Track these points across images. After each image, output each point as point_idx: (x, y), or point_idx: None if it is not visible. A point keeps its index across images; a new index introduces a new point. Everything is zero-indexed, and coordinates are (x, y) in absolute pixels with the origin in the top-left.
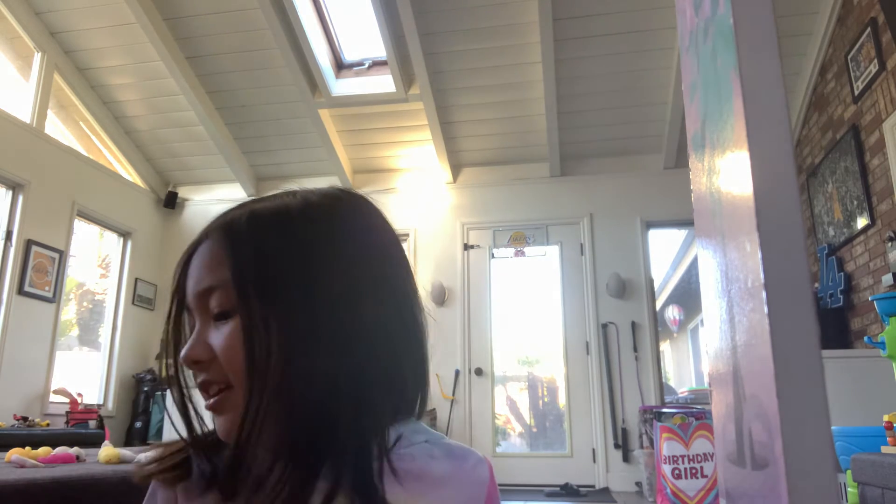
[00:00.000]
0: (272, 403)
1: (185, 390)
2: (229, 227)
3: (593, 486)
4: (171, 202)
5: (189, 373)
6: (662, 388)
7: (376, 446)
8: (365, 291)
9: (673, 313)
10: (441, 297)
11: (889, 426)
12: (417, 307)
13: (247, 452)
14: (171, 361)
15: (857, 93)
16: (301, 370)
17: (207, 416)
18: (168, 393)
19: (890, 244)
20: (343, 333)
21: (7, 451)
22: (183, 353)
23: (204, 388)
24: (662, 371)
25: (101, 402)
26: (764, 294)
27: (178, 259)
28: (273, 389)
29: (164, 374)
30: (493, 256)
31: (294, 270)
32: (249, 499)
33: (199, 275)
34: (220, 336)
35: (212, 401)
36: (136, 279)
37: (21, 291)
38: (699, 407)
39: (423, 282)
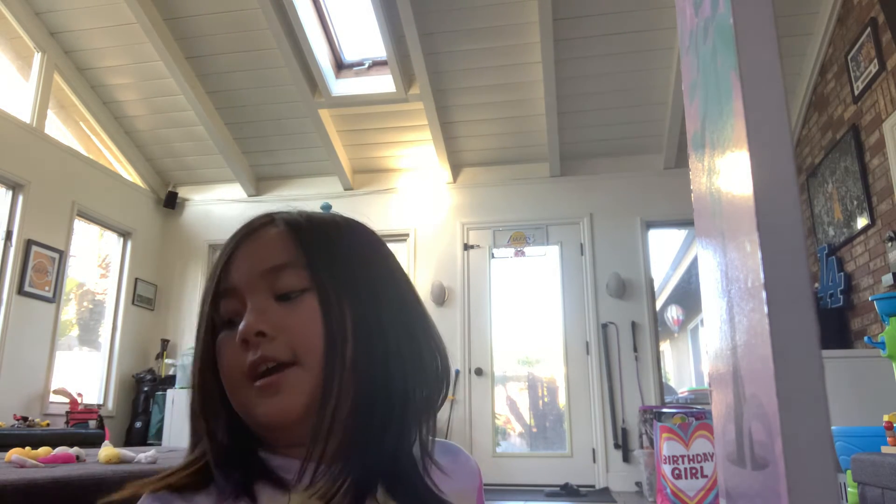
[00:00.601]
0: (347, 385)
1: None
2: (291, 220)
3: (593, 486)
4: (171, 202)
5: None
6: (662, 388)
7: (418, 440)
8: (406, 292)
9: (673, 313)
10: (441, 297)
11: (889, 426)
12: (426, 317)
13: (321, 431)
14: (199, 366)
15: (857, 93)
16: (371, 356)
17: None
18: (170, 394)
19: (890, 244)
20: (396, 327)
21: (7, 451)
22: (247, 323)
23: (257, 365)
24: (662, 371)
25: (101, 402)
26: (764, 294)
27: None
28: (349, 370)
29: (196, 371)
30: (493, 256)
31: (356, 266)
32: (308, 488)
33: (264, 254)
34: (290, 312)
35: (267, 379)
36: (136, 279)
37: (21, 291)
38: (699, 407)
39: (423, 282)
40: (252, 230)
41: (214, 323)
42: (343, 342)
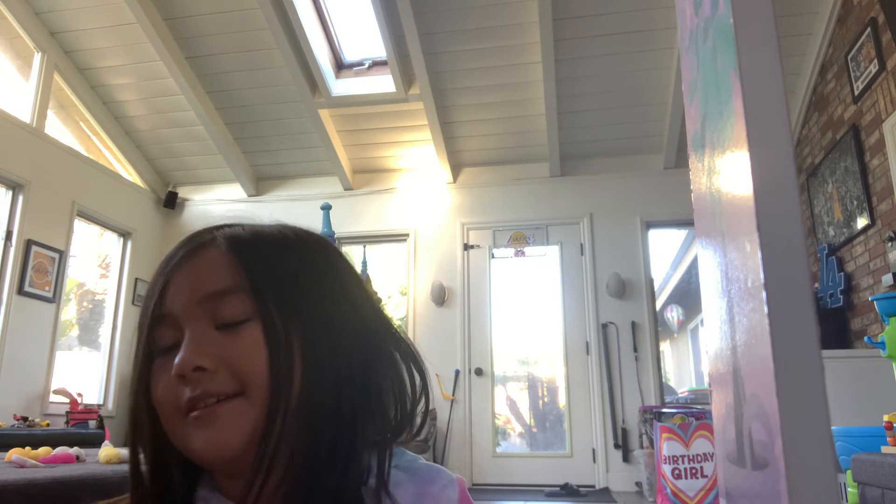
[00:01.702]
0: (293, 418)
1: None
2: (234, 238)
3: (593, 486)
4: (171, 202)
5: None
6: (662, 388)
7: (365, 472)
8: (365, 316)
9: (673, 314)
10: (441, 297)
11: (889, 426)
12: (391, 337)
13: (261, 468)
14: (138, 397)
15: (857, 93)
16: (319, 389)
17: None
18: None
19: (890, 244)
20: (350, 356)
21: (7, 451)
22: (183, 359)
23: (197, 401)
24: (662, 371)
25: (101, 402)
26: (764, 294)
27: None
28: (294, 402)
29: (134, 406)
30: (493, 256)
31: (306, 287)
32: None
33: (203, 278)
34: (232, 343)
35: (203, 410)
36: (136, 279)
37: (21, 291)
38: (699, 407)
39: (423, 282)
40: (192, 250)
41: (150, 348)
42: (289, 374)
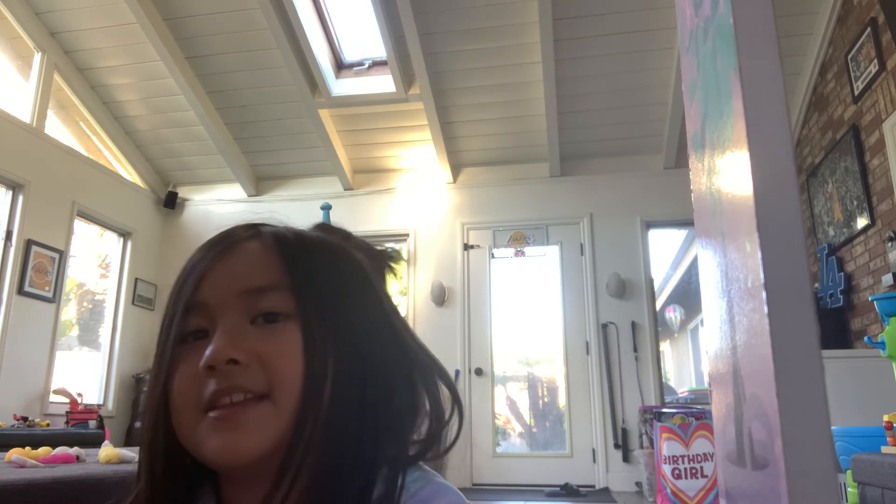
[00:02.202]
0: (320, 428)
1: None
2: (279, 237)
3: (593, 486)
4: (171, 202)
5: None
6: (662, 388)
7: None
8: (395, 331)
9: (673, 314)
10: (441, 297)
11: (889, 426)
12: (423, 355)
13: (287, 477)
14: (160, 378)
15: (857, 93)
16: (347, 398)
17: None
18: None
19: (890, 244)
20: (380, 368)
21: (7, 451)
22: (216, 349)
23: (222, 394)
24: (662, 371)
25: (101, 402)
26: (764, 294)
27: (191, 257)
28: (325, 410)
29: (152, 392)
30: (493, 256)
31: (346, 296)
32: None
33: (245, 271)
34: (267, 338)
35: (225, 411)
36: (136, 279)
37: (21, 291)
38: (699, 407)
39: (423, 282)
40: (234, 243)
41: (179, 335)
42: (322, 382)
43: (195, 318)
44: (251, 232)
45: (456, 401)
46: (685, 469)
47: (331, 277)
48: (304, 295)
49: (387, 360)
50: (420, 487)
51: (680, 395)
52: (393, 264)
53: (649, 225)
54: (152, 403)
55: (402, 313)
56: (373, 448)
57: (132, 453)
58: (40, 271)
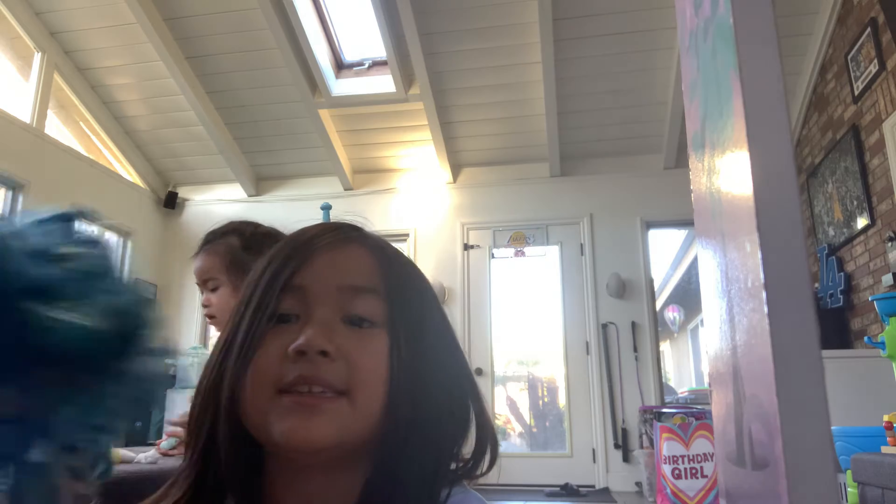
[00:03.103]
0: (403, 432)
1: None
2: (380, 245)
3: (593, 486)
4: (171, 202)
5: None
6: (662, 388)
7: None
8: (457, 353)
9: (676, 314)
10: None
11: (889, 426)
12: (472, 383)
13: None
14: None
15: (857, 93)
16: (423, 406)
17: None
18: (170, 395)
19: (890, 244)
20: (449, 382)
21: None
22: (311, 338)
23: (304, 382)
24: (662, 371)
25: None
26: (764, 294)
27: (301, 236)
28: (406, 417)
29: (229, 357)
30: (493, 256)
31: (428, 313)
32: None
33: (348, 269)
34: (357, 341)
35: (310, 397)
36: (136, 279)
37: None
38: (699, 407)
39: None
40: (339, 240)
41: (272, 313)
42: (404, 391)
43: (290, 301)
44: (355, 233)
45: (492, 432)
46: (685, 469)
47: (418, 293)
48: (396, 305)
49: (453, 377)
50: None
51: (680, 395)
52: None
53: (649, 225)
54: (216, 374)
55: None
56: (435, 462)
57: (132, 453)
58: None
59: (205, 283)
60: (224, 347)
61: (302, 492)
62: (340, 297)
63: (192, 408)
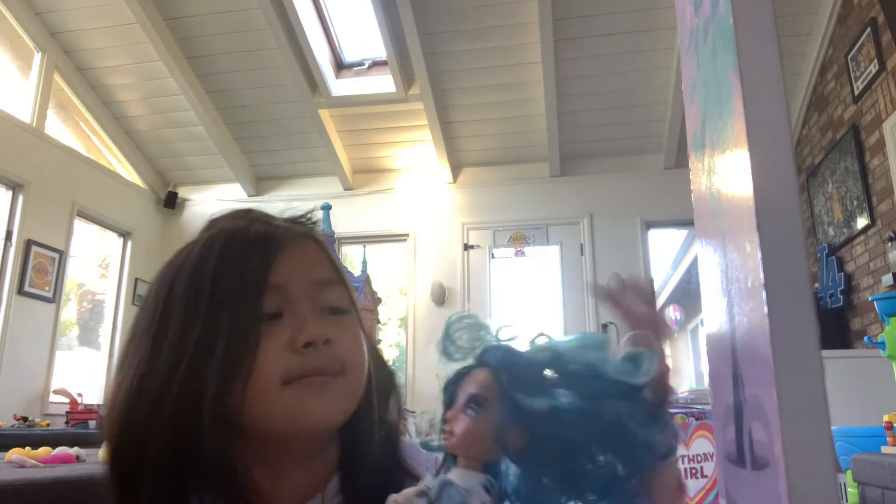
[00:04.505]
0: (368, 406)
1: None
2: (319, 238)
3: None
4: (171, 202)
5: None
6: None
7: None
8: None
9: (677, 314)
10: (441, 297)
11: (889, 426)
12: None
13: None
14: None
15: (857, 93)
16: (373, 380)
17: None
18: None
19: (890, 244)
20: (374, 354)
21: (7, 451)
22: (314, 329)
23: (318, 371)
24: None
25: (102, 402)
26: (764, 294)
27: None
28: (370, 392)
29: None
30: (493, 256)
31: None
32: None
33: (314, 265)
34: (342, 327)
35: (321, 378)
36: (136, 279)
37: (21, 291)
38: (699, 407)
39: (423, 282)
40: (297, 235)
41: (257, 313)
42: (369, 368)
43: (272, 300)
44: (304, 229)
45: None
46: (685, 469)
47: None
48: (351, 291)
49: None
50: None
51: (680, 395)
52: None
53: (649, 225)
54: (195, 382)
55: (403, 313)
56: (385, 424)
57: None
58: (40, 271)
59: None
60: (195, 354)
61: (289, 481)
62: (315, 290)
63: (125, 416)
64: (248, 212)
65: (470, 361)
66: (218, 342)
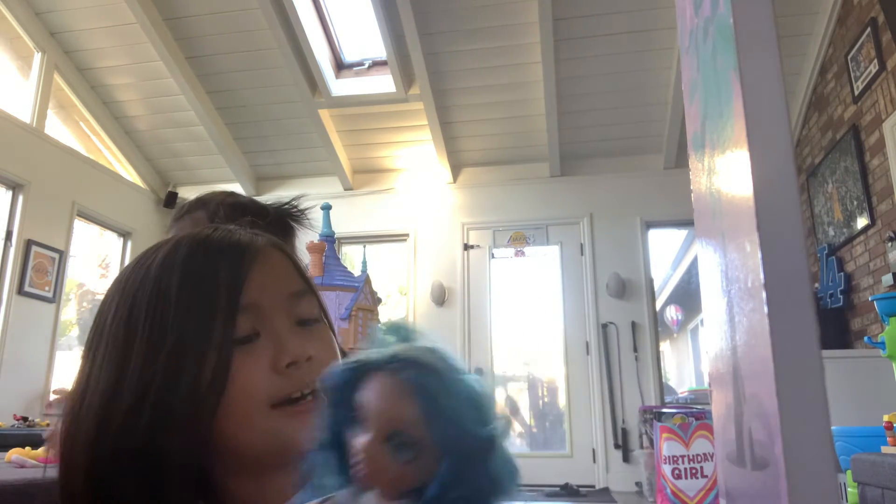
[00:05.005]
0: None
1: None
2: (282, 246)
3: (593, 486)
4: (171, 202)
5: None
6: (662, 388)
7: None
8: None
9: (673, 313)
10: (441, 297)
11: (889, 426)
12: None
13: None
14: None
15: (857, 93)
16: None
17: None
18: None
19: (890, 244)
20: None
21: (7, 451)
22: (296, 348)
23: (305, 388)
24: (662, 371)
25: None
26: (764, 294)
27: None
28: None
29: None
30: (493, 256)
31: None
32: None
33: (284, 278)
34: (316, 339)
35: (307, 404)
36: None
37: (21, 291)
38: (699, 407)
39: (423, 282)
40: (259, 248)
41: (229, 337)
42: None
43: (245, 322)
44: (265, 240)
45: None
46: (685, 469)
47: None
48: (320, 299)
49: None
50: None
51: (680, 395)
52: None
53: (649, 225)
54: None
55: (403, 313)
56: None
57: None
58: (40, 271)
59: None
60: (164, 381)
61: (275, 495)
62: (288, 304)
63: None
64: (234, 229)
65: (374, 356)
66: (187, 369)
